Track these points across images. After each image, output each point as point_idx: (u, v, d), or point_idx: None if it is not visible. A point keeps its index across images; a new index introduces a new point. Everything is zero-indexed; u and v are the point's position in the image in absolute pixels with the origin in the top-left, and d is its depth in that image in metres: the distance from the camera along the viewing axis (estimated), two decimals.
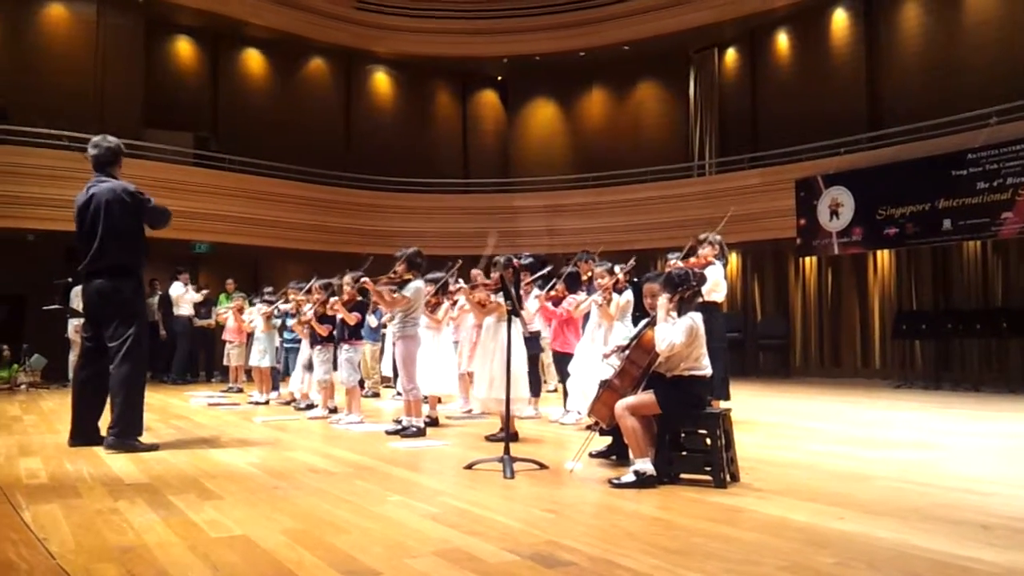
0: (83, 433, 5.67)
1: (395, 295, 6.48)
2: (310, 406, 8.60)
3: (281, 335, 9.90)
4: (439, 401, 8.66)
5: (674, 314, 4.32)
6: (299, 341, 8.77)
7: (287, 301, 9.40)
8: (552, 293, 7.70)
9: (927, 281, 12.91)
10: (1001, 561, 2.86)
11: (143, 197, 5.76)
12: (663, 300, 4.34)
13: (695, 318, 4.30)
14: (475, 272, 7.83)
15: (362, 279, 6.72)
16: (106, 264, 5.64)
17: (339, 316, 7.40)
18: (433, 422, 7.12)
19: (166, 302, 13.29)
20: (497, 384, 5.78)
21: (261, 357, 9.56)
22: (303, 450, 5.73)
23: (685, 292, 4.33)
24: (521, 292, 7.02)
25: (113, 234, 5.62)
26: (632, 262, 7.22)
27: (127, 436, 5.46)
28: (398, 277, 6.52)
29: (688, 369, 4.29)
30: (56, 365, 12.09)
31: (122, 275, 5.68)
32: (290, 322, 9.05)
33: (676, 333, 4.20)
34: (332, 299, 7.59)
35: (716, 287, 6.91)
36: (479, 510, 3.67)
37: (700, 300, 4.50)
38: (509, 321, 5.10)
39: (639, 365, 4.40)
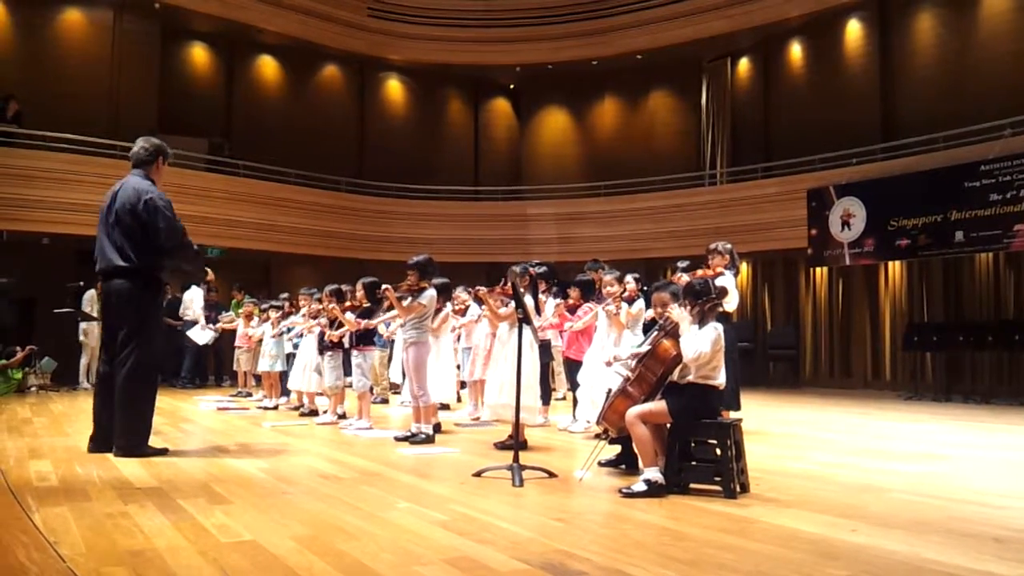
0: (103, 440, 5.45)
1: (411, 303, 6.49)
2: (313, 411, 8.61)
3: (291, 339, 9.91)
4: (446, 407, 8.64)
5: (695, 325, 4.30)
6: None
7: (298, 309, 9.42)
8: (569, 302, 7.70)
9: (939, 293, 12.83)
10: (1015, 575, 2.84)
11: (160, 204, 5.49)
12: (681, 311, 4.30)
13: (718, 328, 4.29)
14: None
15: (383, 286, 6.72)
16: (117, 263, 5.47)
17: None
18: (436, 428, 7.11)
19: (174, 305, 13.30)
20: (507, 391, 5.77)
21: (272, 362, 9.60)
22: (312, 455, 5.73)
23: (706, 304, 4.31)
24: (539, 300, 7.03)
25: (124, 231, 5.45)
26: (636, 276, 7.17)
27: (130, 449, 5.31)
28: (415, 285, 6.53)
29: (702, 378, 4.27)
30: (66, 368, 12.13)
31: (132, 275, 5.48)
32: (297, 327, 9.05)
33: (703, 342, 4.19)
34: (333, 305, 7.61)
35: (727, 297, 6.89)
36: (488, 518, 3.66)
37: (720, 311, 4.48)
38: (520, 328, 5.10)
39: (654, 373, 4.38)
